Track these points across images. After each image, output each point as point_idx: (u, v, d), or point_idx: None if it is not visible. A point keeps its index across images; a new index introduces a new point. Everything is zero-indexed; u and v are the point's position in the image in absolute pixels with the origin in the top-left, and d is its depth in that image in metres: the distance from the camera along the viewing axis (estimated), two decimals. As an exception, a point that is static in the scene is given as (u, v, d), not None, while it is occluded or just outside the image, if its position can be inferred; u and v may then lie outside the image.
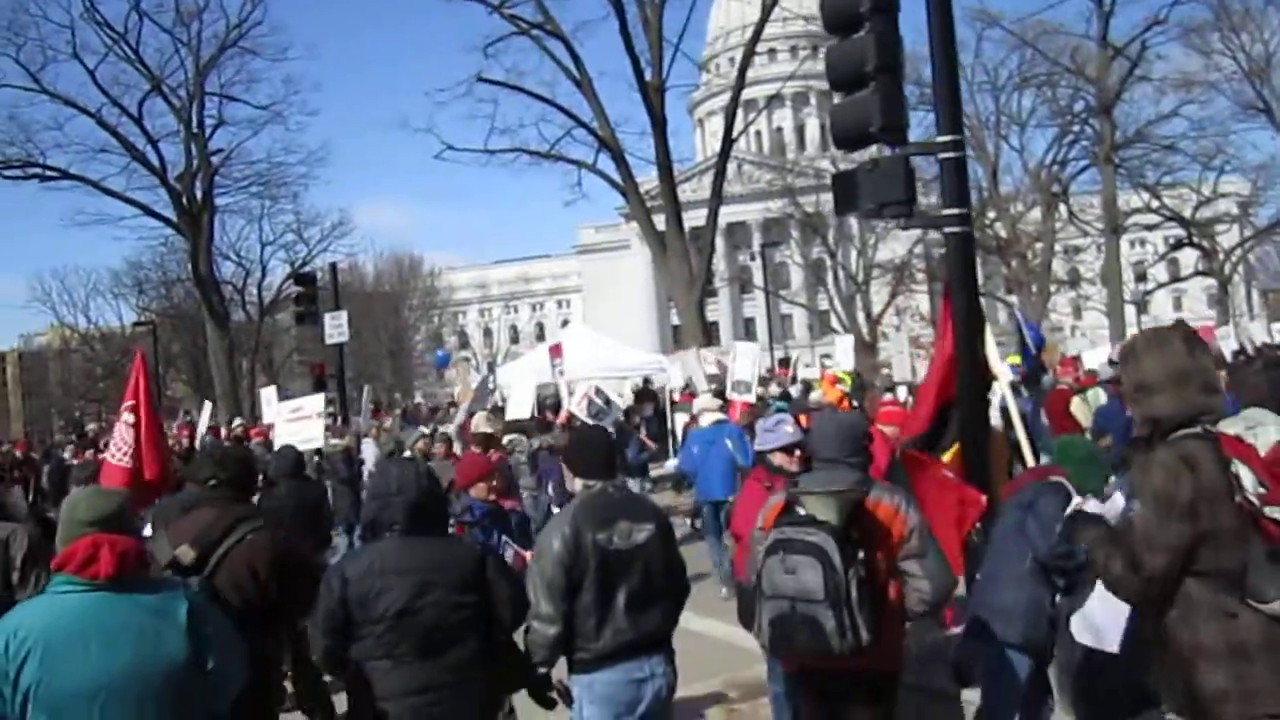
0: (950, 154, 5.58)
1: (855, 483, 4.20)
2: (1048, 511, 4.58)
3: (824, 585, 3.91)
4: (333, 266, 26.23)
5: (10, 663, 3.06)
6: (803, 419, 6.47)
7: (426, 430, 15.16)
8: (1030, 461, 5.39)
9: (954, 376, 5.61)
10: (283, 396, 31.92)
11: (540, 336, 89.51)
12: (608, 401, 14.94)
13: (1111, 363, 20.92)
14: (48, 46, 37.53)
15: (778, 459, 5.53)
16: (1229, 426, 3.11)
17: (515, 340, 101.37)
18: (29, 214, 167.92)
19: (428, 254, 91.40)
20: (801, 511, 4.13)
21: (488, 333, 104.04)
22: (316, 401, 12.11)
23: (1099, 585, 3.51)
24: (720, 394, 15.28)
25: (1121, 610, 3.62)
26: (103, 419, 62.05)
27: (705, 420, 11.96)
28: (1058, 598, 4.58)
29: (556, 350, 18.45)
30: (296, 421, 11.69)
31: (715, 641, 7.99)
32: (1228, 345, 20.81)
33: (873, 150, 6.47)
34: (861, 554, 4.03)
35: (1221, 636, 3.01)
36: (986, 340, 5.59)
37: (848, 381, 18.33)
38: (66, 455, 21.00)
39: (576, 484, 4.54)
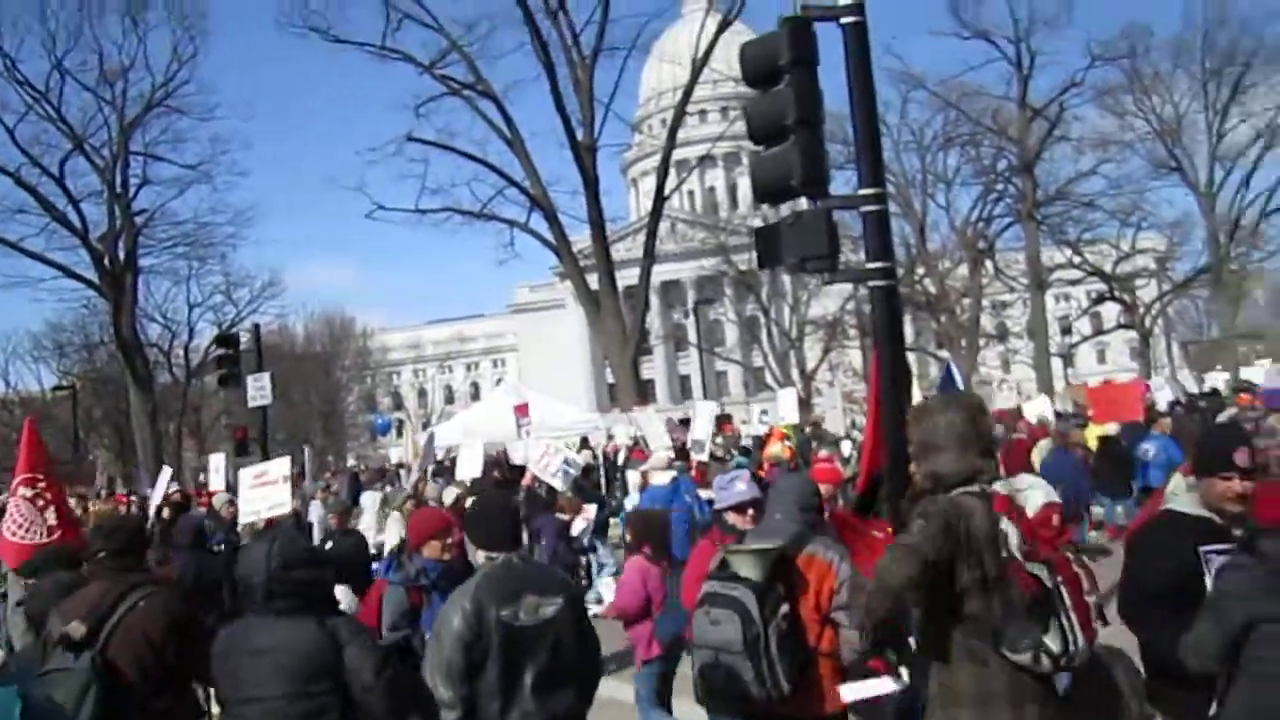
0: (872, 207, 5.52)
1: (790, 538, 4.36)
2: None
3: (742, 637, 4.07)
4: (256, 327, 25.70)
5: None
6: (764, 469, 6.38)
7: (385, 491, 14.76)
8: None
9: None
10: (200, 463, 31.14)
11: (475, 396, 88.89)
12: (566, 460, 14.68)
13: (1057, 415, 21.48)
14: (-35, 106, 36.63)
15: (731, 517, 5.35)
16: (1003, 488, 3.40)
17: (450, 400, 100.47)
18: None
19: (360, 314, 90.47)
20: (730, 568, 4.28)
21: (422, 393, 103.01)
22: (282, 465, 11.57)
23: None
24: (681, 452, 15.09)
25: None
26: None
27: (657, 478, 11.78)
28: None
29: (523, 410, 18.06)
30: (262, 487, 11.16)
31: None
32: (1163, 396, 21.40)
33: (798, 204, 6.45)
34: (785, 607, 4.19)
35: (973, 682, 3.27)
36: (913, 395, 5.52)
37: (793, 436, 18.43)
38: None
39: (479, 556, 4.23)
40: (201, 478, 24.24)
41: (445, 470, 19.74)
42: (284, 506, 11.01)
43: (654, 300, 58.64)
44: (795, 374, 54.86)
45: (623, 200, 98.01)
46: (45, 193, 37.96)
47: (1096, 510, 15.68)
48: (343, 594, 4.68)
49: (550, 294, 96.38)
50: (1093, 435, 16.05)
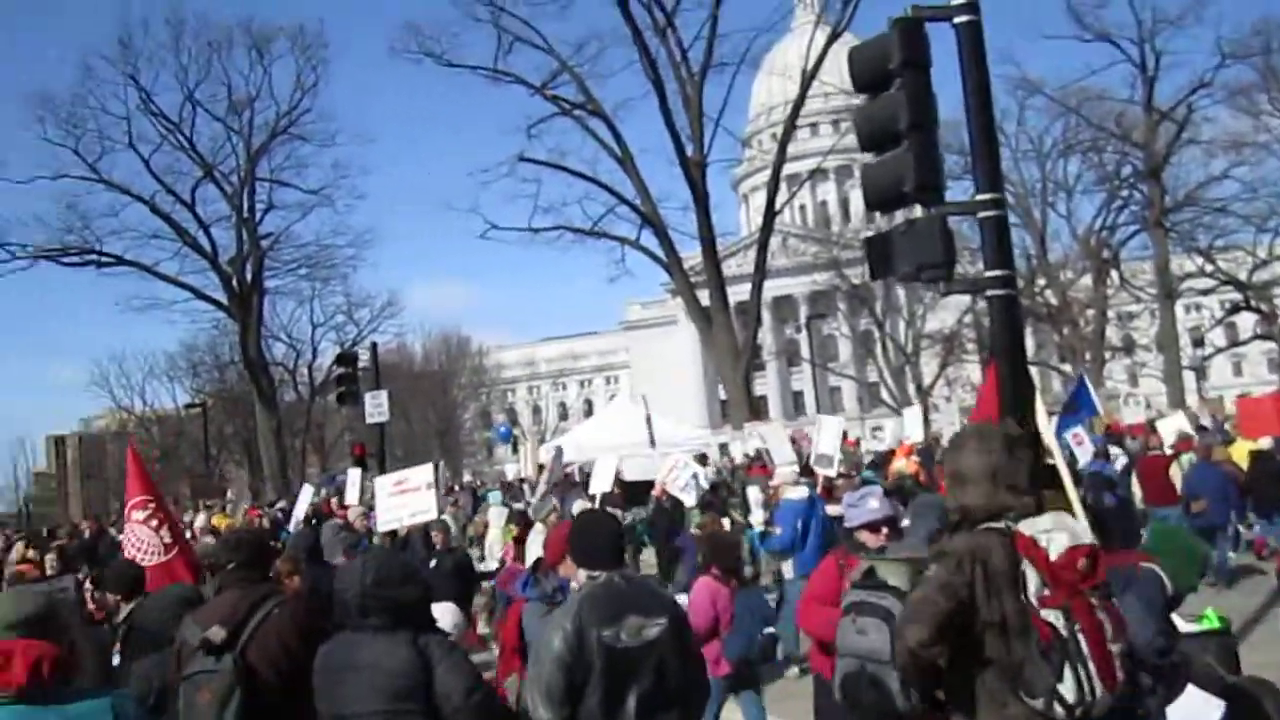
0: (990, 213, 5.28)
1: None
2: (1144, 600, 4.23)
3: (891, 646, 3.84)
4: (373, 346, 26.29)
5: None
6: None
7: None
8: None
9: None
10: (330, 478, 31.94)
11: (589, 413, 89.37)
12: (695, 474, 14.49)
13: (1200, 428, 20.54)
14: (105, 137, 38.85)
15: (864, 535, 5.17)
16: (1026, 528, 3.31)
17: (564, 417, 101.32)
18: (88, 300, 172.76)
19: (475, 333, 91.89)
20: (877, 576, 4.24)
21: (536, 410, 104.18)
22: (424, 472, 11.59)
23: (1190, 685, 3.63)
24: (805, 468, 14.75)
25: (1213, 709, 3.62)
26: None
27: (791, 493, 11.54)
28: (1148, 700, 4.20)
29: None
30: (402, 495, 11.22)
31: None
32: None
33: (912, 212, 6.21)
34: None
35: None
36: (1037, 411, 5.25)
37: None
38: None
39: (580, 575, 4.15)
40: (324, 492, 24.89)
41: (572, 485, 19.75)
42: (429, 513, 11.00)
43: (766, 316, 58.22)
44: (911, 389, 53.76)
45: (733, 215, 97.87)
46: (178, 219, 40.16)
47: (1243, 529, 14.94)
48: (446, 612, 4.62)
49: (662, 311, 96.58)
50: (1242, 451, 15.26)
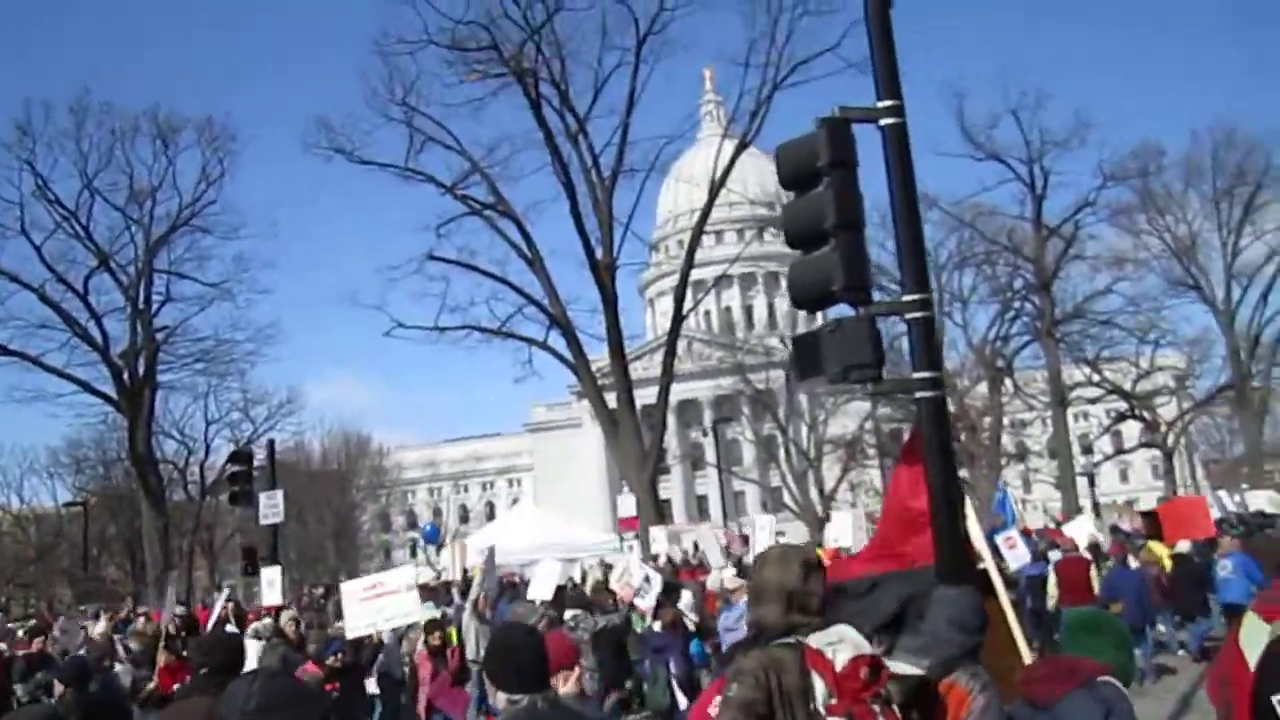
0: (919, 314, 5.25)
1: (938, 662, 4.23)
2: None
3: None
4: (270, 444, 25.36)
5: None
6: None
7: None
8: (1024, 648, 4.86)
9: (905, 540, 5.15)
10: (218, 582, 30.47)
11: (490, 516, 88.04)
12: (647, 577, 14.04)
13: (1114, 529, 20.93)
14: (-4, 223, 37.31)
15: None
16: (815, 641, 3.58)
17: (465, 519, 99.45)
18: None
19: (377, 432, 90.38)
20: None
21: (437, 512, 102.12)
22: (403, 575, 11.08)
23: None
24: (741, 570, 14.45)
25: None
26: (29, 605, 59.20)
27: (741, 596, 11.22)
28: None
29: (631, 523, 17.22)
30: (378, 598, 10.64)
31: None
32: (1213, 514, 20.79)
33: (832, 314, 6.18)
34: None
35: None
36: (968, 514, 5.15)
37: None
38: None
39: (500, 699, 3.73)
40: (208, 599, 23.69)
41: (511, 586, 18.97)
42: (411, 615, 10.59)
43: (671, 419, 58.36)
44: (814, 493, 54.13)
45: (640, 319, 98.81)
46: (68, 308, 38.56)
47: (1161, 629, 15.21)
48: None
49: (567, 413, 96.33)
50: (1164, 554, 15.68)
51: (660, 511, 32.76)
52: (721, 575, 13.61)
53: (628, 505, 19.75)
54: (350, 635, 10.77)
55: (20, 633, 14.62)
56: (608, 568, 22.04)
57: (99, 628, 14.07)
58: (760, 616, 3.71)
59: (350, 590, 11.26)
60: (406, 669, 11.46)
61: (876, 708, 3.63)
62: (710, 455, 68.74)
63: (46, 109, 38.71)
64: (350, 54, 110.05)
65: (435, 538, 24.29)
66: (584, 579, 20.88)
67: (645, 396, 37.11)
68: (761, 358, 67.28)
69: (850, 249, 5.16)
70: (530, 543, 22.85)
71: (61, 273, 38.34)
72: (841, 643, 4.08)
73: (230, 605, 18.82)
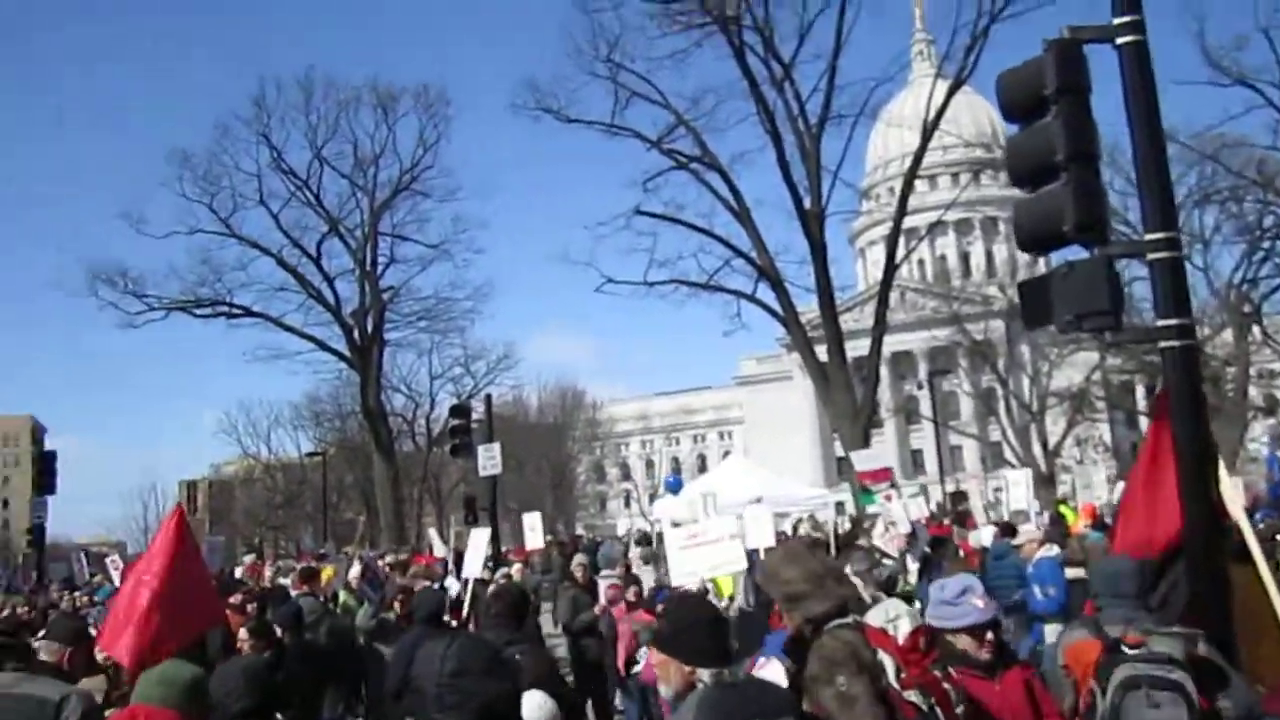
0: (1163, 254, 4.67)
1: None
2: None
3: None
4: (487, 398, 26.27)
5: None
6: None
7: None
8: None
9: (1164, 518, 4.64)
10: (446, 530, 31.95)
11: (702, 468, 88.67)
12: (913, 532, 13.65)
13: None
14: (237, 194, 40.55)
15: (963, 641, 4.26)
16: (872, 619, 3.87)
17: (676, 471, 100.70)
18: (218, 350, 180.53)
19: (590, 386, 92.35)
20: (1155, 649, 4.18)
21: (649, 464, 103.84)
22: (726, 524, 11.18)
23: None
24: (1009, 527, 13.89)
25: None
26: (279, 545, 64.29)
27: (1046, 552, 10.79)
28: None
29: (881, 474, 16.61)
30: (698, 548, 10.80)
31: None
32: None
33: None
34: None
35: None
36: (1220, 475, 4.59)
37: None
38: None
39: (672, 674, 3.51)
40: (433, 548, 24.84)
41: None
42: (735, 564, 10.66)
43: (884, 372, 56.89)
44: (1037, 449, 51.67)
45: (850, 269, 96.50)
46: (304, 272, 41.58)
47: None
48: (535, 706, 3.90)
49: (777, 366, 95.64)
50: None
51: (873, 466, 31.99)
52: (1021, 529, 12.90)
53: (871, 457, 19.02)
54: (675, 583, 10.72)
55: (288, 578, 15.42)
56: (816, 523, 21.75)
57: (353, 571, 14.77)
58: (806, 613, 3.66)
59: (674, 538, 11.28)
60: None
61: (938, 674, 3.86)
62: (925, 409, 66.81)
63: (278, 85, 41.40)
64: (555, 13, 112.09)
65: (678, 487, 24.06)
66: (794, 533, 20.65)
67: (857, 349, 36.22)
68: (979, 307, 64.66)
69: (1084, 183, 4.63)
70: (744, 495, 22.75)
71: (296, 239, 41.40)
72: (899, 618, 4.47)
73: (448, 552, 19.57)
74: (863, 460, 18.81)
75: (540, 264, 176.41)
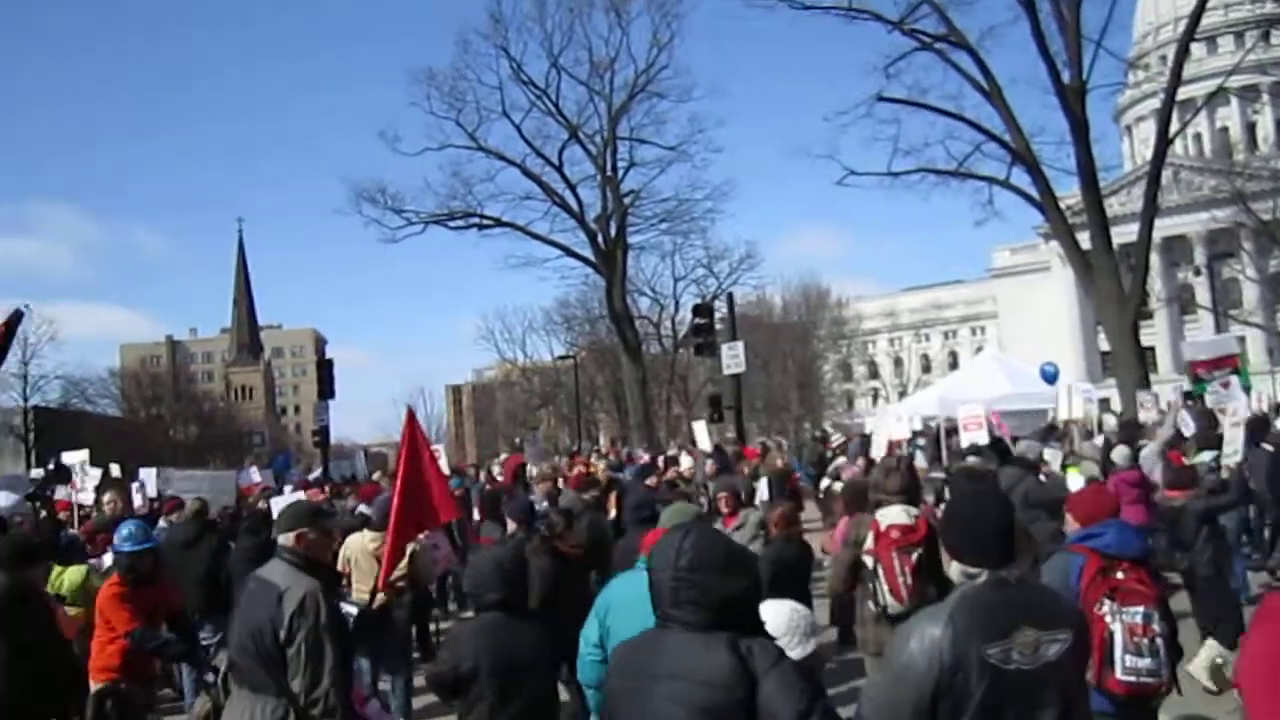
0: None
1: None
2: None
3: None
4: (729, 298, 26.30)
5: None
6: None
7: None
8: None
9: None
10: (689, 430, 32.54)
11: (954, 365, 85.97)
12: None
13: None
14: (481, 107, 41.79)
15: None
16: (879, 515, 6.21)
17: (927, 369, 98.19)
18: (473, 260, 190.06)
19: (834, 283, 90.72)
20: None
21: (898, 362, 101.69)
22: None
23: None
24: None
25: None
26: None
27: None
28: None
29: (1230, 361, 15.70)
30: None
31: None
32: None
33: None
34: None
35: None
36: None
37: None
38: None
39: (953, 570, 3.25)
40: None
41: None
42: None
43: (1155, 258, 52.79)
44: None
45: (1116, 148, 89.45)
46: (547, 180, 42.71)
47: None
48: (779, 613, 3.68)
49: (1033, 256, 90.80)
50: None
51: (1143, 361, 29.89)
52: None
53: (1208, 346, 17.90)
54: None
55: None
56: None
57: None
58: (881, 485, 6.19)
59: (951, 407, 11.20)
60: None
61: (896, 557, 5.62)
62: (1202, 297, 61.70)
63: (514, -5, 42.11)
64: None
65: (1053, 378, 21.33)
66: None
67: (1124, 235, 33.68)
68: (1268, 183, 58.38)
69: None
70: (998, 392, 21.85)
71: (539, 148, 42.30)
72: (888, 513, 5.77)
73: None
74: (1195, 350, 17.85)
75: (780, 160, 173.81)
